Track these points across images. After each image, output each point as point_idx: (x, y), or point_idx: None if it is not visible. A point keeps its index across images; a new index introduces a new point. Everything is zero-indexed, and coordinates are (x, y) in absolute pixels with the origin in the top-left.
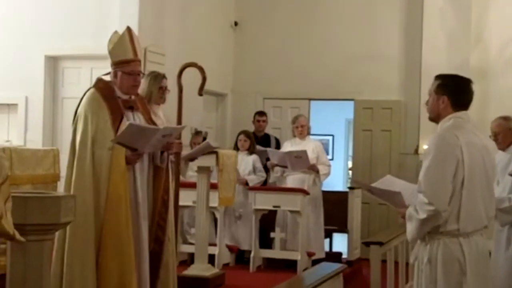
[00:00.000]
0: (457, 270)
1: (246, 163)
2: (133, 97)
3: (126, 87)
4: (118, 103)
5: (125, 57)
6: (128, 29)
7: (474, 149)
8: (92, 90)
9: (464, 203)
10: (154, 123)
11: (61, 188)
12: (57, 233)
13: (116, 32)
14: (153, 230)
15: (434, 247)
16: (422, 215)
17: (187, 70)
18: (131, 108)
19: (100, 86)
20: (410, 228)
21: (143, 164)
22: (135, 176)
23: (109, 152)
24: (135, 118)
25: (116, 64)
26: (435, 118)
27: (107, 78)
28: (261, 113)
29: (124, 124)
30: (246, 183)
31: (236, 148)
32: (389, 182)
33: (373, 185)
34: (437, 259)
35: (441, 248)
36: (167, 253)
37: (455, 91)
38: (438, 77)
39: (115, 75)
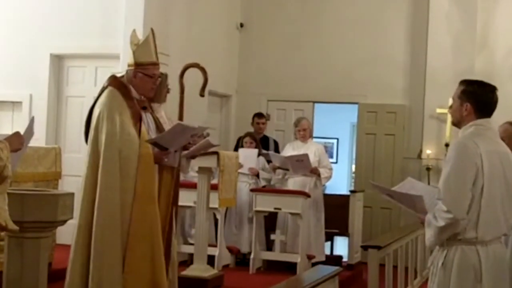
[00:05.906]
0: (471, 277)
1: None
2: (143, 97)
3: (144, 89)
4: (135, 103)
5: (149, 59)
6: (152, 32)
7: (494, 157)
8: (111, 88)
9: (483, 212)
10: (161, 123)
11: (62, 186)
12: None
13: (134, 31)
14: (166, 229)
15: (451, 253)
16: (441, 223)
17: (192, 70)
18: (144, 108)
19: (117, 84)
20: (429, 235)
21: None
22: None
23: (137, 151)
24: (147, 118)
25: (138, 65)
26: (458, 124)
27: (119, 75)
28: (261, 115)
29: (145, 122)
30: (257, 175)
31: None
32: (410, 185)
33: (394, 189)
34: (452, 264)
35: (458, 254)
36: (174, 252)
37: (478, 98)
38: (463, 82)
39: (134, 76)
